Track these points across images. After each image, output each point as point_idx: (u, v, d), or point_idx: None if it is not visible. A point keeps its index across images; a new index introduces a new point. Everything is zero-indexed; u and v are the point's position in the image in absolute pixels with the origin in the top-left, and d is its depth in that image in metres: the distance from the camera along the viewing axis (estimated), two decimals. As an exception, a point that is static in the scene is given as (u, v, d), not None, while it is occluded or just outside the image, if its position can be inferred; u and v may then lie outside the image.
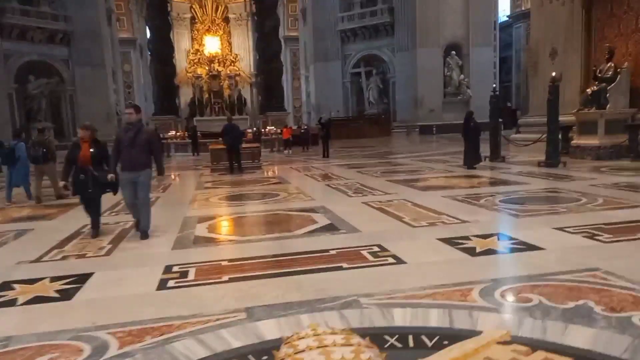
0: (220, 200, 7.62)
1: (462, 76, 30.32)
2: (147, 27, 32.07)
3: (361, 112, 33.53)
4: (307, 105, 38.07)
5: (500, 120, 12.24)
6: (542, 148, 10.36)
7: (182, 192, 9.19)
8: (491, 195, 6.66)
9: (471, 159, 10.48)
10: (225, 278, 3.37)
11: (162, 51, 25.84)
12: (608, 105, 10.32)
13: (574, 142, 10.90)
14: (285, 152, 20.23)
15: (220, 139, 12.14)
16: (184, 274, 3.50)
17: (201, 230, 5.17)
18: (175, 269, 3.64)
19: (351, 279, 3.22)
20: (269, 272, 3.48)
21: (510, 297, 2.75)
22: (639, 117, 10.45)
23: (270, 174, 11.72)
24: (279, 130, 23.84)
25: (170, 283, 3.32)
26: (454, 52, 30.06)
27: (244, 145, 12.65)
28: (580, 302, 2.59)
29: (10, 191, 8.03)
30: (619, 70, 10.40)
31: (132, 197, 4.85)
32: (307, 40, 36.15)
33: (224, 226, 5.62)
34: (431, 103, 29.79)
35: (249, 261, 3.81)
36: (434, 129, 28.89)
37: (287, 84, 42.30)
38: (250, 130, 21.96)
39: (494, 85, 11.95)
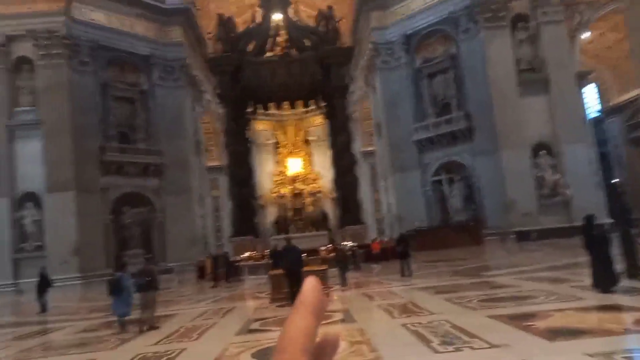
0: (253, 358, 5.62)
1: (557, 176, 27.11)
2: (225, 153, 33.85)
3: (446, 220, 30.89)
4: (389, 217, 36.27)
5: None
6: None
7: (216, 337, 7.26)
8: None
9: (604, 278, 7.73)
10: None
11: (238, 174, 26.62)
12: None
13: None
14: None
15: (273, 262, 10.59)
16: None
17: None
18: None
19: None
20: None
21: None
22: None
23: (335, 305, 9.67)
24: (355, 245, 22.18)
25: None
26: (543, 152, 27.43)
27: (309, 268, 11.01)
28: None
29: (119, 319, 8.38)
30: None
31: None
32: (384, 153, 35.73)
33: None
34: (524, 207, 26.58)
35: None
36: (534, 234, 25.24)
37: (367, 197, 41.45)
38: (323, 248, 20.46)
39: (617, 180, 9.47)
